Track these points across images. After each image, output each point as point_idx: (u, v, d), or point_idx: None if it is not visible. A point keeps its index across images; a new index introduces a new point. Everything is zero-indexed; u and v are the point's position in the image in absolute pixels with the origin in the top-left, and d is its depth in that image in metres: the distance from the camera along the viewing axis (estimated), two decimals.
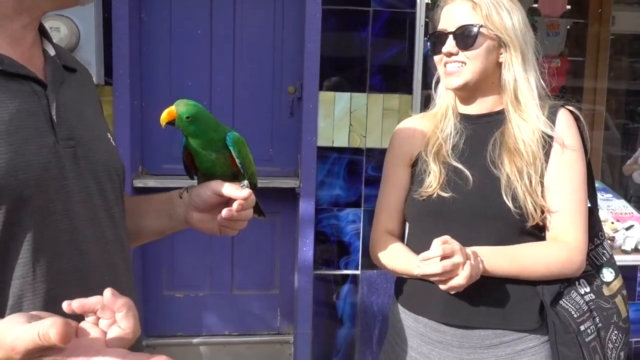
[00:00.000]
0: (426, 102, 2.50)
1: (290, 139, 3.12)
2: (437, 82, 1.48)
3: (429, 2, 3.12)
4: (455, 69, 1.35)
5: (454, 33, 1.34)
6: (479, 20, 1.33)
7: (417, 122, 1.49)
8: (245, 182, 1.11)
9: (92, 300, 0.70)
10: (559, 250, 1.31)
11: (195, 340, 3.20)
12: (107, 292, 0.70)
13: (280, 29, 3.09)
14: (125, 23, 2.78)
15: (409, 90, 2.96)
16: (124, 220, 1.00)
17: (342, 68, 2.94)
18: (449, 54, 1.34)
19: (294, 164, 3.13)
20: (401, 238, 1.48)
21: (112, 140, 0.99)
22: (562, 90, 4.46)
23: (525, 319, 1.32)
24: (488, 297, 1.31)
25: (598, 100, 4.58)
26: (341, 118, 2.95)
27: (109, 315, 0.71)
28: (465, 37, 1.32)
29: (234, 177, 1.14)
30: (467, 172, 1.33)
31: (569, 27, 4.33)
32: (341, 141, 2.97)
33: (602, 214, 3.09)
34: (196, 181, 1.17)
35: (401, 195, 1.45)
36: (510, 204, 1.28)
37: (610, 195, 3.36)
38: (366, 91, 2.95)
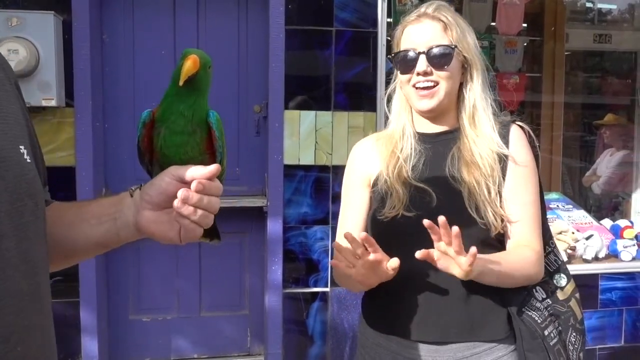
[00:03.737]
0: None
1: (257, 158, 3.12)
2: (389, 99, 1.49)
3: (391, 21, 3.18)
4: (428, 90, 1.35)
5: (426, 53, 1.34)
6: (450, 41, 1.34)
7: (373, 144, 1.49)
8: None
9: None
10: (530, 253, 1.34)
11: None
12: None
13: (245, 48, 3.11)
14: (86, 44, 2.74)
15: (373, 108, 3.00)
16: (42, 239, 0.82)
17: (306, 87, 2.97)
18: (424, 73, 1.34)
19: (261, 182, 3.13)
20: None
21: (24, 154, 0.79)
22: (522, 105, 4.60)
23: (494, 329, 1.35)
24: (460, 311, 1.33)
25: (556, 115, 4.73)
26: (307, 136, 2.97)
27: None
28: (440, 57, 1.33)
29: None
30: (431, 190, 1.35)
31: (525, 44, 4.47)
32: (307, 159, 2.98)
33: (563, 225, 3.17)
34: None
35: (362, 216, 1.46)
36: (475, 216, 1.31)
37: (570, 206, 3.45)
38: (331, 109, 2.98)
